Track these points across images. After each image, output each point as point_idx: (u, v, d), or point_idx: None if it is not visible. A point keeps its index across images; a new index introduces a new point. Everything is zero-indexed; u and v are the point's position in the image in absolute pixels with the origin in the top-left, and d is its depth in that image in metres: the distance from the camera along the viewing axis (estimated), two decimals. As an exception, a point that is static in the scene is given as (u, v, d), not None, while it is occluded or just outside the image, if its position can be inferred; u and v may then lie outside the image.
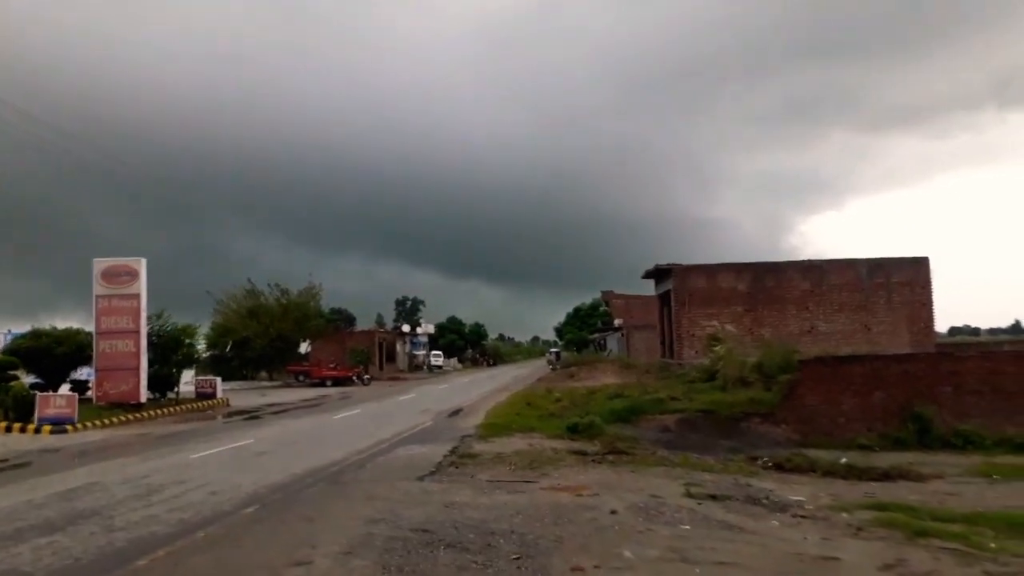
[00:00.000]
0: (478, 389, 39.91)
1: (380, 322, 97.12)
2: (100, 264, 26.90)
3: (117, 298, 26.64)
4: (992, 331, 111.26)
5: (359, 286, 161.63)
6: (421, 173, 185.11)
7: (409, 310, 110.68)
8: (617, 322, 64.04)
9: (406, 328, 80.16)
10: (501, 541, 7.88)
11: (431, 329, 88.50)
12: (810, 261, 34.24)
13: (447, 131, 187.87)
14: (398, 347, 72.36)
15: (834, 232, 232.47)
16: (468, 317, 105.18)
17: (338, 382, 47.07)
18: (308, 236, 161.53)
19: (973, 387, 18.68)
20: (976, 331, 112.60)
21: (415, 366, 74.42)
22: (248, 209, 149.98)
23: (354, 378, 48.24)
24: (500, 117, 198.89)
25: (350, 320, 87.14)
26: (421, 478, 12.23)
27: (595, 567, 6.95)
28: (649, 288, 40.28)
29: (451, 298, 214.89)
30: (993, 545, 8.06)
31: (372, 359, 59.64)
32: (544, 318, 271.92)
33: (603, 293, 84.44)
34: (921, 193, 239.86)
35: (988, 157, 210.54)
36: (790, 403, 19.20)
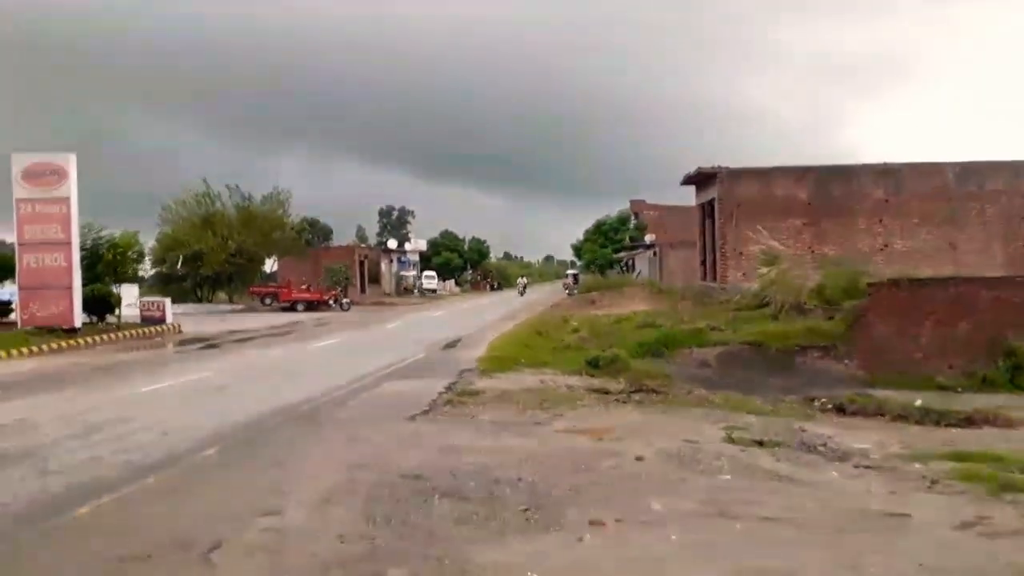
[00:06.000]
0: (479, 317, 40.27)
1: (362, 236, 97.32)
2: (20, 160, 26.77)
3: (42, 203, 26.62)
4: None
5: (309, 190, 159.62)
6: (379, 47, 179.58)
7: (396, 222, 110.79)
8: (649, 238, 63.69)
9: (392, 244, 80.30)
10: (507, 490, 8.04)
11: (422, 246, 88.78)
12: (886, 164, 33.82)
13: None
14: (383, 266, 72.69)
15: (906, 126, 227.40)
16: (465, 231, 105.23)
17: (312, 306, 47.48)
18: (236, 128, 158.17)
19: (1081, 318, 18.65)
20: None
21: (403, 289, 74.94)
22: (158, 94, 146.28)
23: (331, 302, 48.64)
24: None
25: (325, 234, 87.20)
26: (412, 418, 12.44)
27: (617, 521, 7.10)
28: (689, 197, 39.96)
29: (442, 208, 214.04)
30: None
31: (352, 280, 59.96)
32: (559, 233, 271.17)
33: (632, 203, 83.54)
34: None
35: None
36: (856, 335, 19.30)
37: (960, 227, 32.53)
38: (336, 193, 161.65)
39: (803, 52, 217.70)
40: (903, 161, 33.94)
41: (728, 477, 8.88)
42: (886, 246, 32.33)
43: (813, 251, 31.77)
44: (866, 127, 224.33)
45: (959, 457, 10.07)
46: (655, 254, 56.34)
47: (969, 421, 13.52)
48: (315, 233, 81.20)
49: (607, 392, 15.12)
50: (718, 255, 33.86)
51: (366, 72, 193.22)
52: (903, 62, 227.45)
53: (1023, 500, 8.15)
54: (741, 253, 32.45)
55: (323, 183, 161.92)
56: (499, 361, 19.66)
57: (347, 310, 47.65)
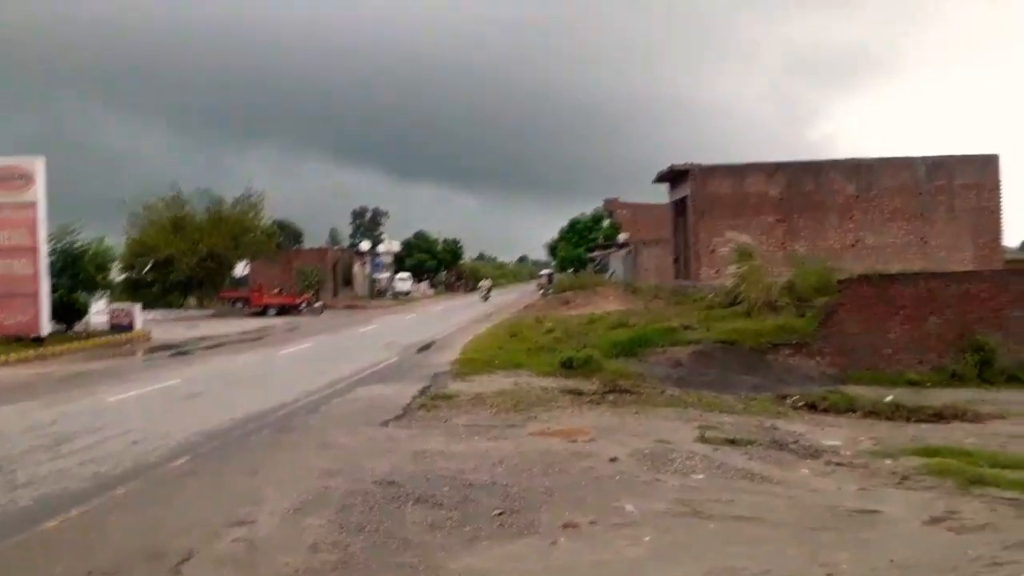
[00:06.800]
0: (454, 318, 40.26)
1: (334, 238, 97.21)
2: (-16, 166, 26.41)
3: (9, 207, 26.27)
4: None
5: (280, 191, 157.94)
6: (348, 45, 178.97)
7: (369, 223, 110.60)
8: (623, 237, 64.04)
9: (365, 245, 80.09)
10: (480, 494, 8.07)
11: (396, 247, 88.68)
12: (857, 160, 34.19)
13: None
14: (356, 269, 72.50)
15: (879, 121, 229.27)
16: (440, 231, 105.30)
17: (284, 310, 47.21)
18: (200, 125, 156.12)
19: (1046, 311, 18.96)
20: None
21: (377, 291, 74.76)
22: (119, 91, 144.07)
23: (303, 306, 48.38)
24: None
25: (296, 236, 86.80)
26: (386, 423, 12.42)
27: (591, 523, 7.15)
28: (663, 195, 40.15)
29: (415, 208, 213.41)
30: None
31: (325, 283, 59.80)
32: (534, 233, 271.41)
33: (606, 202, 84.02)
34: (990, 70, 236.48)
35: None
36: (827, 331, 19.50)
37: (930, 221, 32.99)
38: (307, 194, 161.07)
39: (775, 48, 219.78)
40: (874, 156, 34.43)
41: (701, 477, 8.95)
42: (857, 242, 32.71)
43: (785, 247, 32.08)
44: (839, 122, 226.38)
45: (929, 452, 10.22)
46: (629, 253, 56.64)
47: (939, 416, 13.71)
48: (286, 235, 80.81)
49: (581, 393, 15.16)
50: (691, 252, 34.06)
51: (338, 71, 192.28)
52: (875, 56, 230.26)
53: (991, 494, 8.29)
54: (714, 251, 32.64)
55: (294, 184, 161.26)
56: (473, 364, 19.66)
57: (320, 314, 47.44)
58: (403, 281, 78.79)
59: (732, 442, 10.74)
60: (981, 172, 33.11)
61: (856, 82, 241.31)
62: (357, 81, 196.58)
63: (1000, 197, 33.13)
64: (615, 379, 16.74)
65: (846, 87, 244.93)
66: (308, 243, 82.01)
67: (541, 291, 65.25)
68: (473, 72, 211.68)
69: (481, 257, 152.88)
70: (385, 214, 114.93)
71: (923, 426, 13.06)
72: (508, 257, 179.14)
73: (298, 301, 48.85)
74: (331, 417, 13.22)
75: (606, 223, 79.85)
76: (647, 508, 7.63)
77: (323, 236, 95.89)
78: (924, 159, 33.54)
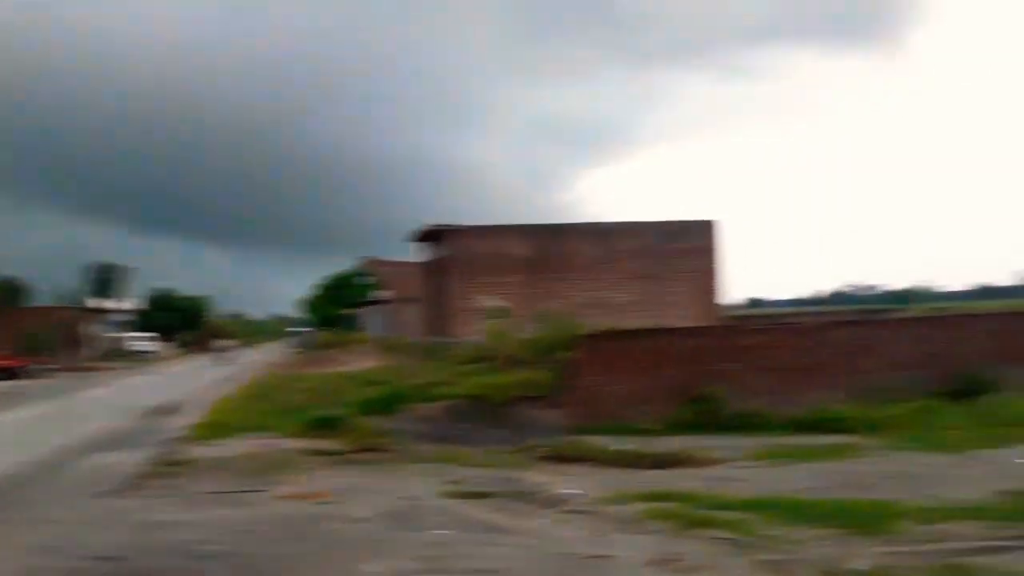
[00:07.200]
0: (198, 379, 38.46)
1: (67, 296, 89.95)
2: None
3: None
4: (802, 301, 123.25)
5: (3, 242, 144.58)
6: (82, 92, 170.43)
7: (105, 279, 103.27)
8: (381, 294, 64.30)
9: (101, 303, 74.79)
10: (213, 566, 7.68)
11: (136, 304, 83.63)
12: (598, 224, 36.44)
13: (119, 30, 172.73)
14: (90, 328, 67.45)
15: (617, 188, 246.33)
16: (185, 288, 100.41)
17: (4, 375, 42.93)
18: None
19: (758, 364, 20.90)
20: (760, 302, 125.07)
21: (114, 352, 69.75)
22: None
23: (27, 369, 44.32)
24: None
25: (17, 292, 79.29)
26: (112, 493, 11.59)
27: (331, 588, 7.00)
28: (420, 253, 40.65)
29: (161, 264, 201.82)
30: (768, 532, 9.13)
31: (53, 344, 55.16)
32: (288, 290, 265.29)
33: (365, 259, 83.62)
34: (714, 145, 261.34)
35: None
36: (569, 384, 20.38)
37: (661, 281, 35.61)
38: (38, 249, 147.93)
39: (526, 116, 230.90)
40: (614, 220, 36.92)
41: (446, 532, 9.02)
42: (600, 300, 34.60)
43: (534, 305, 33.34)
44: (584, 187, 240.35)
45: (656, 497, 10.90)
46: (387, 310, 56.76)
47: (669, 462, 14.66)
48: (11, 293, 73.75)
49: (330, 453, 14.87)
50: (446, 310, 34.66)
51: (72, 120, 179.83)
52: (615, 126, 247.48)
53: (711, 535, 8.96)
54: (467, 308, 33.42)
55: (22, 238, 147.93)
56: (216, 427, 18.74)
57: (47, 377, 43.63)
58: (144, 341, 74.15)
59: (477, 495, 10.93)
60: (703, 236, 36.34)
61: (600, 151, 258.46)
62: (95, 130, 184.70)
63: (717, 258, 36.50)
64: (366, 438, 16.56)
65: (591, 155, 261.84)
66: (38, 301, 75.36)
67: (295, 349, 63.77)
68: (223, 126, 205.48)
69: (233, 315, 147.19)
70: (127, 270, 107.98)
71: (655, 472, 13.90)
72: (262, 313, 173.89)
73: (19, 364, 44.66)
74: (49, 489, 12.15)
75: (365, 280, 79.53)
76: (392, 567, 7.57)
77: (55, 293, 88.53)
78: (656, 224, 36.37)
